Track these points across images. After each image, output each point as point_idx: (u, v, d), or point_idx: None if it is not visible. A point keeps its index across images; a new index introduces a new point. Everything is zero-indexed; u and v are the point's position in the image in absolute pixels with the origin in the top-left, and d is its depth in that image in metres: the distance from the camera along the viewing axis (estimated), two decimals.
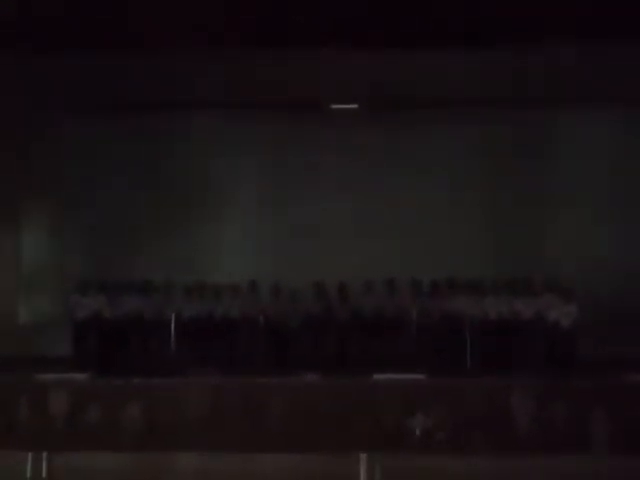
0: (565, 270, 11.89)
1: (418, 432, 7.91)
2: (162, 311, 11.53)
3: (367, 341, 11.48)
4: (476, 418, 8.05)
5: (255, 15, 9.95)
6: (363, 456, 7.79)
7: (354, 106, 12.72)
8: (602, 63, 10.75)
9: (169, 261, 12.47)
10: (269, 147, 13.05)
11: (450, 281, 11.87)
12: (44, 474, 8.05)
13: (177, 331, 11.37)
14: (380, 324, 11.60)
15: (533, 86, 11.70)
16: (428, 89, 11.83)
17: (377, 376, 8.28)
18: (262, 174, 13.10)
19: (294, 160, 12.98)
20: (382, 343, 11.40)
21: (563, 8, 9.62)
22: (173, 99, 12.32)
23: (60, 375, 8.63)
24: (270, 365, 10.97)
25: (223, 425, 8.21)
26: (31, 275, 12.76)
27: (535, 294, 11.61)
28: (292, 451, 7.98)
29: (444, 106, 12.32)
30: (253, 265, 12.49)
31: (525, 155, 12.76)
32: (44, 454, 8.16)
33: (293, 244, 12.66)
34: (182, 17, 9.97)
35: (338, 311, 11.77)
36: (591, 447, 7.94)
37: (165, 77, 11.72)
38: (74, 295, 11.70)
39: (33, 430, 8.27)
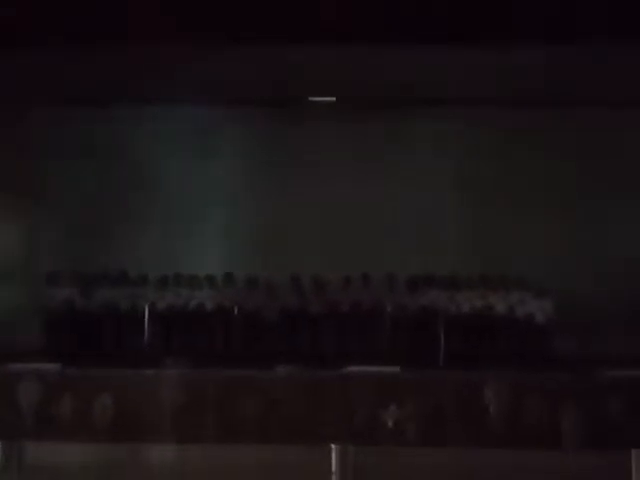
0: (543, 268, 11.93)
1: (391, 424, 7.93)
2: (136, 302, 11.50)
3: (342, 334, 11.51)
4: (449, 411, 8.07)
5: (248, 11, 9.91)
6: (336, 448, 7.80)
7: (332, 99, 12.71)
8: (602, 63, 10.81)
9: (144, 253, 12.36)
10: (248, 142, 12.99)
11: (425, 276, 11.94)
12: (15, 464, 7.95)
13: (151, 323, 11.34)
14: (355, 318, 11.64)
15: (531, 86, 11.72)
16: (425, 87, 11.80)
17: (351, 368, 8.29)
18: (240, 167, 13.02)
19: (273, 154, 12.93)
20: (357, 336, 11.43)
21: (565, 8, 9.67)
22: (154, 95, 12.25)
23: (32, 365, 8.57)
24: (245, 357, 10.95)
25: (196, 417, 8.18)
26: (1, 266, 12.65)
27: (509, 290, 11.71)
28: (265, 442, 7.98)
29: (431, 103, 12.34)
30: (229, 257, 12.42)
31: (504, 152, 12.79)
32: (15, 444, 8.06)
33: (270, 237, 12.62)
34: (176, 14, 9.92)
35: (313, 304, 11.78)
36: (563, 442, 7.98)
37: (149, 72, 11.60)
38: (47, 286, 11.65)
39: (4, 420, 8.19)
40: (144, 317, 11.29)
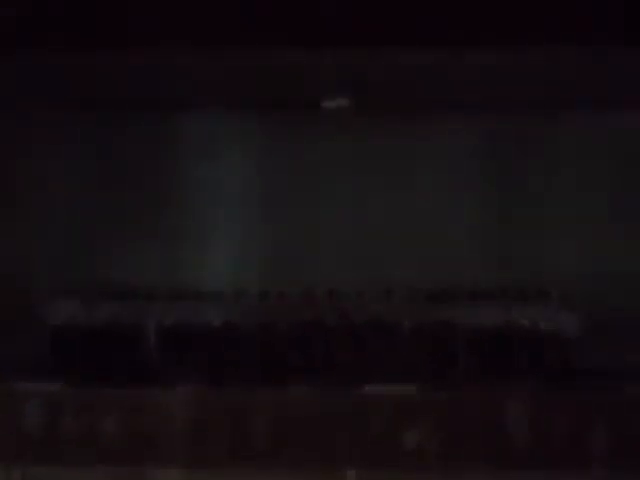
0: (565, 279, 11.77)
1: (409, 447, 7.72)
2: (142, 318, 11.39)
3: (359, 349, 11.35)
4: (470, 430, 7.89)
5: (253, 14, 9.83)
6: (352, 472, 7.58)
7: (345, 104, 12.52)
8: (603, 65, 10.65)
9: (151, 266, 12.25)
10: (257, 149, 12.82)
11: (445, 289, 11.68)
12: None
13: (158, 338, 11.21)
14: (372, 332, 11.47)
15: (533, 87, 11.47)
16: (427, 88, 11.55)
17: (367, 388, 8.09)
18: (250, 177, 12.85)
19: (284, 162, 12.74)
20: (374, 351, 11.27)
21: (563, 8, 9.55)
22: (162, 98, 12.07)
23: (35, 384, 8.44)
24: (256, 373, 10.79)
25: (205, 437, 8.04)
26: (3, 279, 12.56)
27: (532, 303, 11.47)
28: (278, 466, 7.80)
29: (444, 106, 12.11)
30: (240, 270, 12.30)
31: (524, 159, 12.56)
32: (17, 465, 7.92)
33: (282, 248, 12.44)
34: (177, 15, 9.84)
35: (329, 318, 11.61)
36: (588, 460, 7.79)
37: (156, 76, 11.47)
38: (50, 301, 11.53)
39: (6, 441, 8.07)
40: (151, 333, 11.21)
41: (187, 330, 11.26)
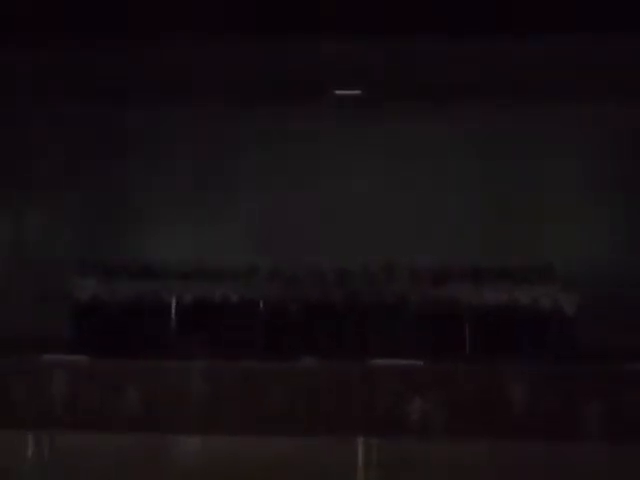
0: (568, 259, 11.92)
1: (415, 417, 7.95)
2: (161, 294, 11.59)
3: (365, 326, 11.50)
4: (473, 403, 8.07)
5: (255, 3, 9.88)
6: (360, 440, 7.83)
7: (356, 92, 12.67)
8: (602, 56, 10.74)
9: (169, 245, 12.49)
10: (269, 132, 13.01)
11: (449, 268, 11.91)
12: (45, 454, 8.09)
13: (176, 314, 11.42)
14: (379, 310, 11.63)
15: (532, 79, 11.62)
16: (429, 78, 11.68)
17: (375, 361, 8.31)
18: (263, 158, 13.06)
19: (294, 144, 12.92)
20: (380, 329, 11.42)
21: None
22: (177, 83, 12.19)
23: (60, 356, 8.68)
24: (268, 349, 10.99)
25: (221, 408, 8.24)
26: (32, 257, 12.83)
27: (534, 281, 11.68)
28: (290, 435, 8.01)
29: (444, 94, 12.22)
30: (252, 249, 12.48)
31: (524, 145, 12.78)
32: (45, 434, 8.20)
33: (293, 228, 12.64)
34: (179, 6, 9.91)
35: (337, 296, 11.80)
36: (587, 433, 7.96)
37: (170, 64, 11.63)
38: (73, 277, 11.78)
39: (33, 411, 8.31)
40: (169, 309, 11.40)
41: (204, 306, 11.47)
